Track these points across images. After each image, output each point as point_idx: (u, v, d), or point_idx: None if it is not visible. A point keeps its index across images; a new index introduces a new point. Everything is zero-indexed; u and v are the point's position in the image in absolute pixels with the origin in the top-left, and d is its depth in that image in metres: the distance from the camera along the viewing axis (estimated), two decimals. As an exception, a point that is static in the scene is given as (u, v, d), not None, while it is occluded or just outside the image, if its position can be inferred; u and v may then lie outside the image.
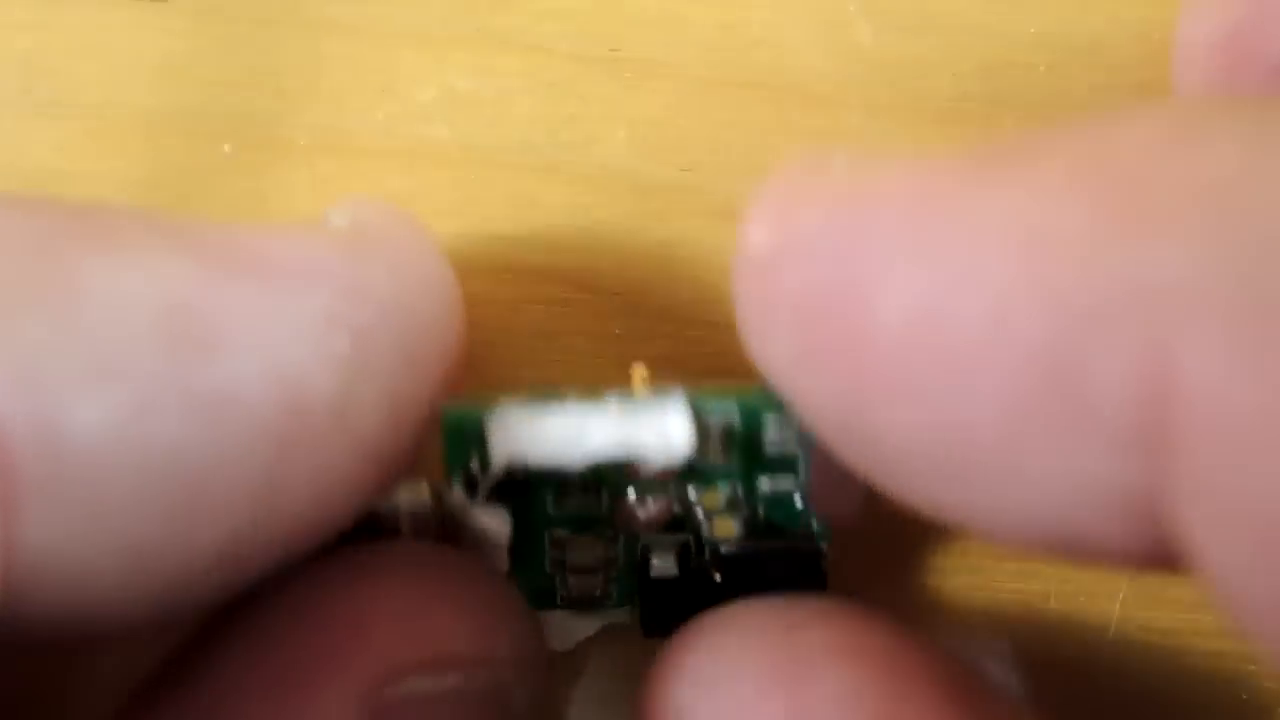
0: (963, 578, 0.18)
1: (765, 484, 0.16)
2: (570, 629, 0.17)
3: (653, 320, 0.19)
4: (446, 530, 0.15)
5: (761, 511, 0.16)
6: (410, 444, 0.14)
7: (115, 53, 0.18)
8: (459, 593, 0.15)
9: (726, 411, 0.15)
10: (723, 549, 0.16)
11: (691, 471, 0.15)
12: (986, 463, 0.11)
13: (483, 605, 0.15)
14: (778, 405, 0.15)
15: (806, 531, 0.16)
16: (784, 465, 0.15)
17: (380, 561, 0.15)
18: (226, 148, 0.18)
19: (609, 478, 0.16)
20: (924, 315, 0.11)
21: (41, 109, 0.18)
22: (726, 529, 0.16)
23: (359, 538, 0.15)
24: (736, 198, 0.18)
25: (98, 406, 0.11)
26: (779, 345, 0.13)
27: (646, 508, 0.16)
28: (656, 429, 0.15)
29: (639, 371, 0.15)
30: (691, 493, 0.16)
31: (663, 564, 0.16)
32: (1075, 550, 0.12)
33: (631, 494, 0.16)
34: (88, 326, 0.11)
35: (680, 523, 0.16)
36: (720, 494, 0.16)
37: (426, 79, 0.18)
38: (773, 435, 0.15)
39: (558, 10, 0.18)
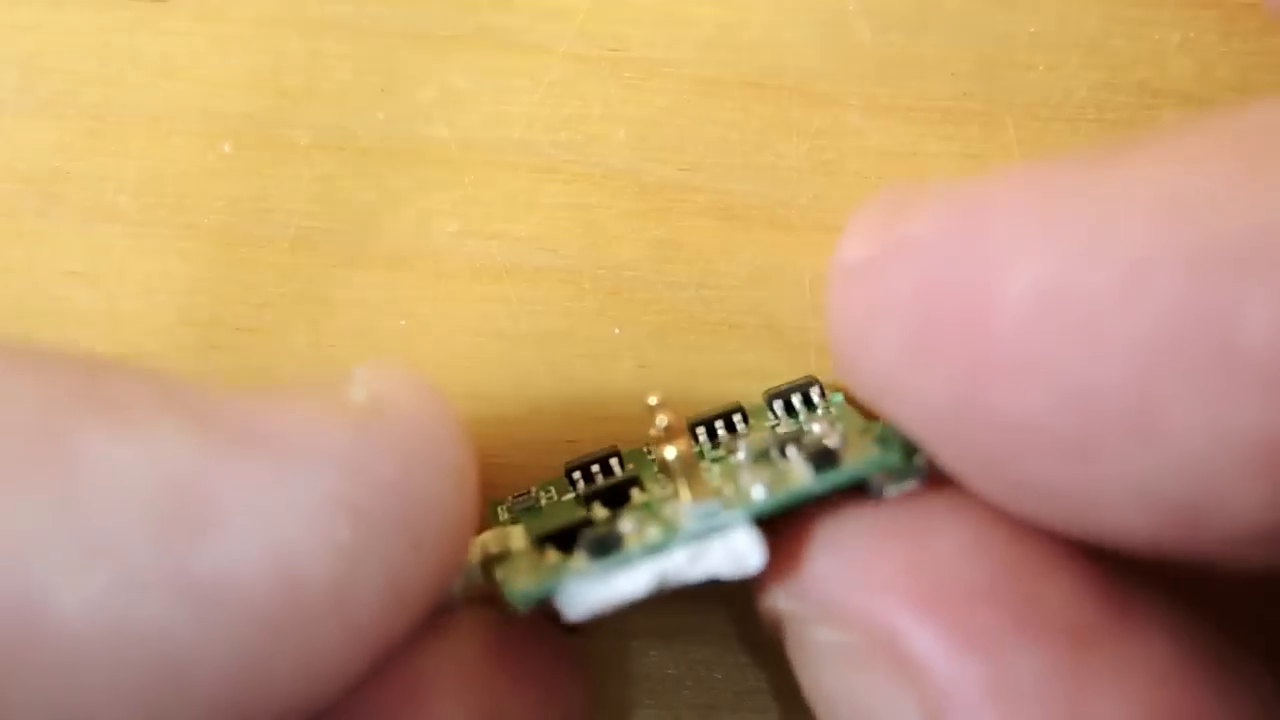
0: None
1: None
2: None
3: (653, 320, 0.19)
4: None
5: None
6: (412, 623, 0.14)
7: (115, 53, 0.18)
8: (516, 660, 0.15)
9: (789, 501, 0.15)
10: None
11: None
12: (1118, 428, 0.11)
13: (539, 673, 0.15)
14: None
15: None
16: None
17: (441, 626, 0.14)
18: (226, 147, 0.18)
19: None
20: (1054, 290, 0.11)
21: (41, 109, 0.18)
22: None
23: None
24: (736, 198, 0.19)
25: (82, 588, 0.11)
26: (885, 347, 0.13)
27: None
28: (726, 556, 0.15)
29: (658, 410, 0.15)
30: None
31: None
32: (1200, 529, 0.11)
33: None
34: (82, 504, 0.11)
35: None
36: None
37: (426, 79, 0.18)
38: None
39: (558, 10, 0.18)
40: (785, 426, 0.17)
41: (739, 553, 0.15)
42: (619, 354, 0.18)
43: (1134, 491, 0.12)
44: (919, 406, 0.13)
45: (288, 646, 0.12)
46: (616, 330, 0.18)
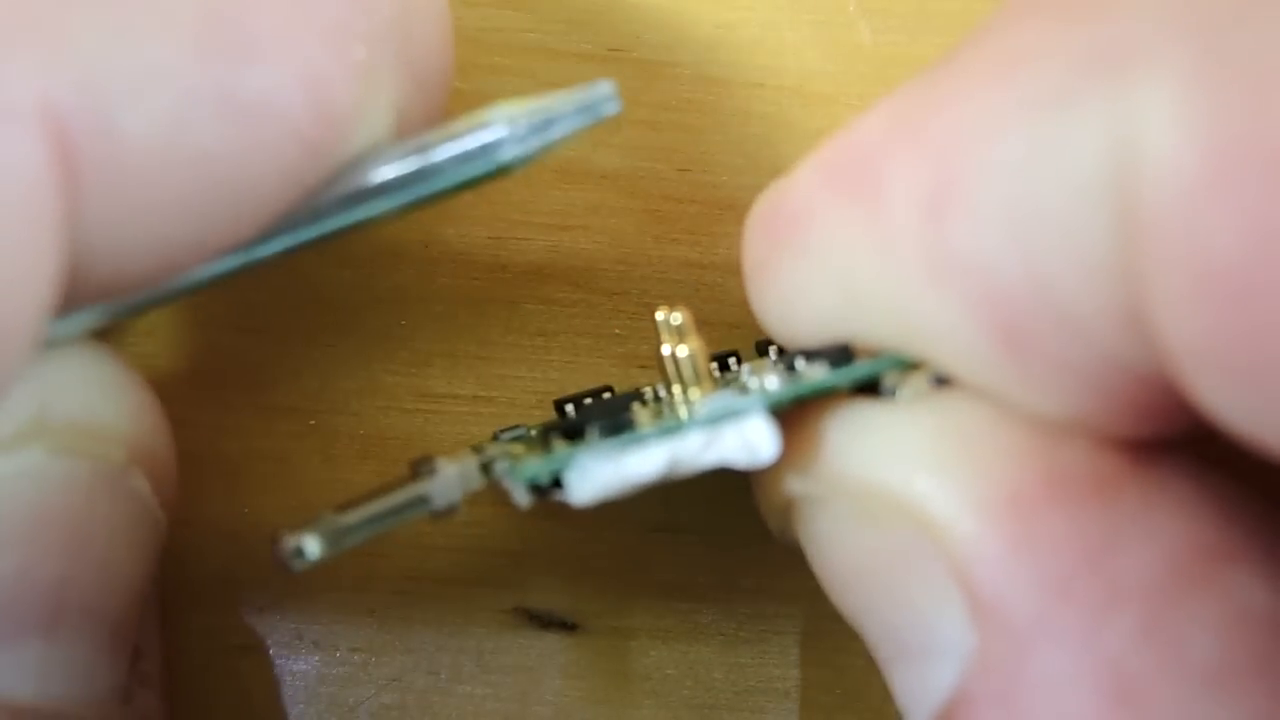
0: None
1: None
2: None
3: (652, 320, 0.18)
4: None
5: None
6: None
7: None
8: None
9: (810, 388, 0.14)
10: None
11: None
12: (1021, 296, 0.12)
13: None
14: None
15: None
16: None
17: None
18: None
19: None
20: (933, 178, 0.12)
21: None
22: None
23: None
24: (736, 197, 0.19)
25: (145, 109, 0.12)
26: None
27: None
28: (740, 444, 0.14)
29: (671, 312, 0.15)
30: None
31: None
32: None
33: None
34: (139, 34, 0.12)
35: None
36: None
37: (426, 79, 0.18)
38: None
39: (558, 10, 0.18)
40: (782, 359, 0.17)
41: (753, 441, 0.14)
42: (619, 354, 0.18)
43: (1069, 377, 0.12)
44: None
45: (320, 163, 0.13)
46: (616, 330, 0.19)
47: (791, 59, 0.18)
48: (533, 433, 0.17)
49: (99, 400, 0.16)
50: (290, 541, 0.14)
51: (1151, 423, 0.12)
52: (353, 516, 0.14)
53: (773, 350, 0.17)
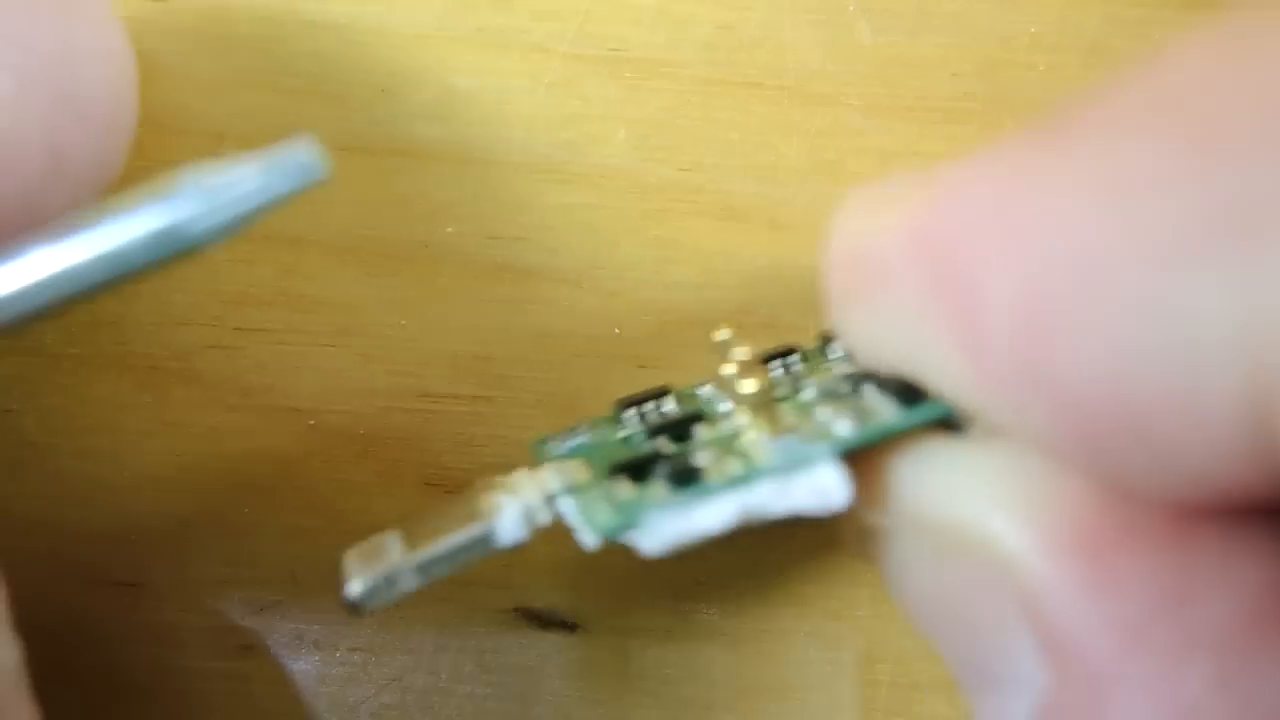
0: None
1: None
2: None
3: (653, 320, 0.19)
4: None
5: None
6: (80, 198, 0.14)
7: (115, 53, 0.18)
8: None
9: (874, 438, 0.14)
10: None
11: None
12: (1111, 432, 0.11)
13: None
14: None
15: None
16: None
17: None
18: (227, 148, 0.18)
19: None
20: (1028, 300, 0.11)
21: (41, 109, 0.18)
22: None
23: None
24: (736, 197, 0.19)
25: None
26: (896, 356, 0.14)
27: None
28: (811, 491, 0.14)
29: (731, 344, 0.15)
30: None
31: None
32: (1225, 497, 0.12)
33: None
34: None
35: None
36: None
37: (426, 79, 0.18)
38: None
39: (558, 10, 0.18)
40: (848, 369, 0.16)
41: (825, 488, 0.14)
42: (619, 354, 0.18)
43: (1155, 480, 0.12)
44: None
45: None
46: (616, 330, 0.19)
47: (791, 59, 0.18)
48: (594, 439, 0.17)
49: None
50: (355, 591, 0.14)
51: (1236, 506, 0.12)
52: (419, 561, 0.14)
53: (836, 349, 0.17)
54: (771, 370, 0.16)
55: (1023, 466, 0.13)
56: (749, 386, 0.14)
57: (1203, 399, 0.11)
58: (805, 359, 0.17)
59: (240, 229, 0.11)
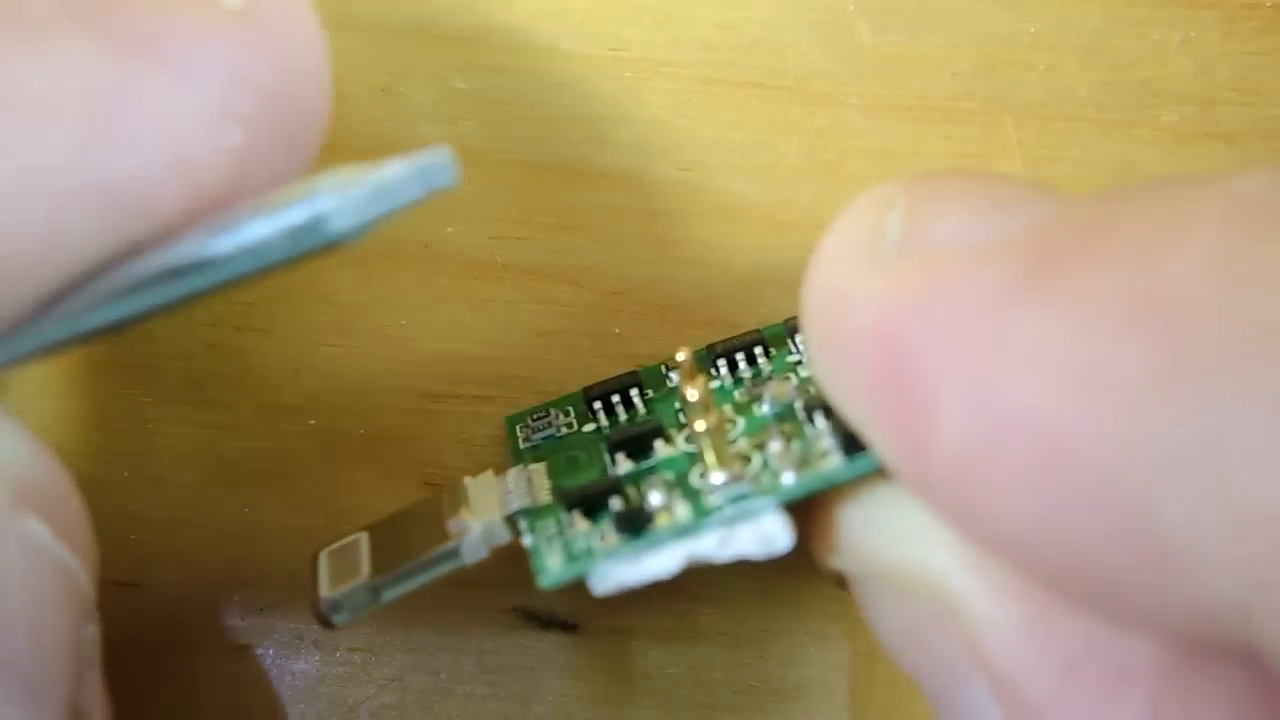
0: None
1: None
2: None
3: (653, 320, 0.19)
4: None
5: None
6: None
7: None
8: None
9: (812, 488, 0.15)
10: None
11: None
12: (1044, 578, 0.12)
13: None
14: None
15: None
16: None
17: None
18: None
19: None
20: (977, 437, 0.11)
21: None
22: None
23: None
24: (737, 197, 0.18)
25: (23, 212, 0.11)
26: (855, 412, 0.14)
27: None
28: (755, 539, 0.15)
29: (683, 359, 0.15)
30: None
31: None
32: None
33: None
34: (8, 126, 0.11)
35: None
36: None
37: (426, 79, 0.18)
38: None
39: (558, 10, 0.18)
40: (806, 375, 0.17)
41: (768, 535, 0.15)
42: (619, 354, 0.18)
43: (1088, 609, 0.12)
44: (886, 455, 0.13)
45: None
46: (616, 330, 0.19)
47: (791, 59, 0.18)
48: (563, 430, 0.17)
49: None
50: (331, 603, 0.15)
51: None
52: (388, 578, 0.15)
53: (799, 344, 0.17)
54: (732, 363, 0.17)
55: None
56: (702, 425, 0.15)
57: (1157, 600, 0.10)
58: (770, 350, 0.17)
59: (375, 227, 0.13)
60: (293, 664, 0.19)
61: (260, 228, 0.12)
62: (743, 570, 0.19)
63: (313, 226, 0.12)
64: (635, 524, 0.15)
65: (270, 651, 0.19)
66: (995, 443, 0.11)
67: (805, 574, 0.19)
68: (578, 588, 0.19)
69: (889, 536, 0.14)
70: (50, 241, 0.11)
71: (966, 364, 0.11)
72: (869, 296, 0.13)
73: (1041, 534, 0.11)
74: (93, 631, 0.16)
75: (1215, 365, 0.10)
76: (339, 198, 0.12)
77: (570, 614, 0.19)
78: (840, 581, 0.16)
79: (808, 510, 0.15)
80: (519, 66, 0.18)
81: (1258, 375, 0.10)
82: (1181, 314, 0.10)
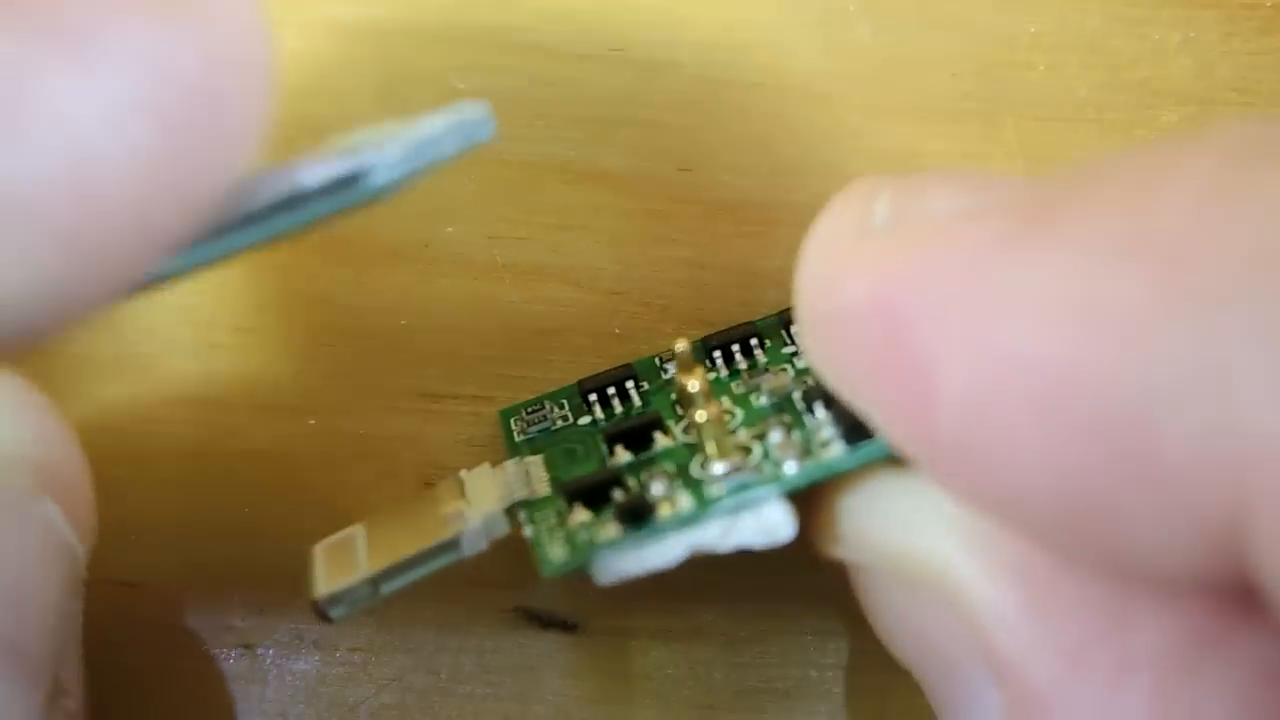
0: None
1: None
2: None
3: (653, 320, 0.19)
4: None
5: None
6: (200, 221, 0.12)
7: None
8: None
9: (814, 478, 0.15)
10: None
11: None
12: (1051, 531, 0.11)
13: None
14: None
15: None
16: None
17: None
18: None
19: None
20: (981, 391, 0.11)
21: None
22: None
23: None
24: (737, 197, 0.18)
25: None
26: (853, 393, 0.14)
27: None
28: (758, 528, 0.15)
29: (682, 350, 0.15)
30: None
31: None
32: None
33: None
34: None
35: None
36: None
37: (426, 79, 0.18)
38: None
39: (558, 10, 0.18)
40: (802, 366, 0.17)
41: (771, 525, 0.15)
42: (618, 354, 0.18)
43: (1088, 565, 0.12)
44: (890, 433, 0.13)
45: (85, 262, 0.11)
46: (616, 330, 0.19)
47: (791, 59, 0.18)
48: (558, 424, 0.17)
49: (5, 428, 0.15)
50: (329, 598, 0.15)
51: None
52: (385, 570, 0.15)
53: (793, 336, 0.17)
54: (728, 355, 0.17)
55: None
56: (702, 415, 0.15)
57: (1160, 530, 0.10)
58: (764, 341, 0.17)
59: (415, 180, 0.12)
60: (293, 664, 0.19)
61: (304, 178, 0.12)
62: (743, 570, 0.19)
63: (354, 180, 0.12)
64: (638, 514, 0.15)
65: (270, 651, 0.19)
66: (1000, 390, 0.11)
67: (805, 574, 0.19)
68: (578, 586, 0.19)
69: (892, 525, 0.14)
70: None
71: (965, 318, 0.11)
72: (861, 271, 0.13)
73: (1047, 478, 0.11)
74: (78, 607, 0.16)
75: (1214, 293, 0.10)
76: (380, 152, 0.12)
77: (570, 614, 0.19)
78: (841, 571, 0.16)
79: (809, 499, 0.15)
80: (519, 66, 0.18)
81: (1257, 301, 0.10)
82: (1179, 244, 0.10)
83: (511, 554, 0.19)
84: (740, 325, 0.17)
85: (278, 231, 0.12)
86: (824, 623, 0.19)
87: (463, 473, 0.17)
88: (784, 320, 0.17)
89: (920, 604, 0.14)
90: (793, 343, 0.17)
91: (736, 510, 0.15)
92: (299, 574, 0.19)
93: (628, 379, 0.17)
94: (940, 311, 0.12)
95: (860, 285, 0.13)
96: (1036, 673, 0.13)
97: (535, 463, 0.16)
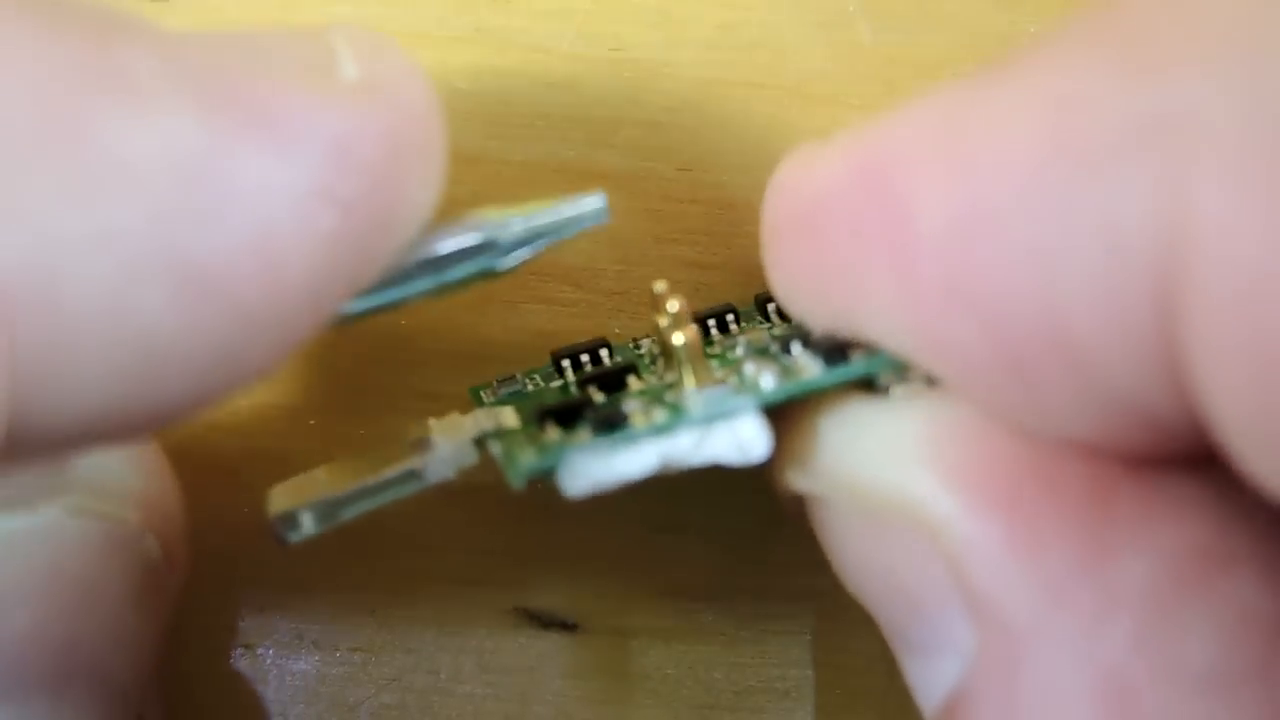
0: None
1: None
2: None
3: (652, 320, 0.18)
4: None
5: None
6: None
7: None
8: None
9: (793, 393, 0.15)
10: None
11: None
12: (1040, 347, 0.11)
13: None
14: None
15: None
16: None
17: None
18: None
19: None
20: (961, 215, 0.12)
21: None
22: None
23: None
24: (736, 197, 0.19)
25: (90, 275, 0.10)
26: (824, 300, 0.14)
27: None
28: (731, 443, 0.14)
29: (666, 296, 0.15)
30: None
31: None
32: (1149, 434, 0.12)
33: None
34: (93, 190, 0.11)
35: None
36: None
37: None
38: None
39: (558, 10, 0.18)
40: (779, 330, 0.17)
41: (745, 440, 0.14)
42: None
43: (1077, 407, 0.12)
44: (880, 341, 0.14)
45: (262, 337, 0.12)
46: (617, 330, 0.19)
47: (791, 59, 0.18)
48: (529, 388, 0.17)
49: (117, 463, 0.16)
50: (285, 515, 0.14)
51: (1156, 449, 0.12)
52: (346, 492, 0.14)
53: (771, 310, 0.17)
54: (704, 327, 0.17)
55: (945, 428, 0.13)
56: (680, 338, 0.15)
57: (1120, 306, 0.11)
58: (740, 319, 0.17)
59: (534, 257, 0.14)
60: (293, 664, 0.19)
61: (439, 246, 0.14)
62: (743, 570, 0.19)
63: (481, 250, 0.14)
64: (610, 422, 0.14)
65: (270, 651, 0.19)
66: (979, 217, 0.12)
67: (805, 574, 0.19)
68: (578, 586, 0.19)
69: (866, 457, 0.14)
70: (119, 309, 0.11)
71: (938, 158, 0.12)
72: (831, 154, 0.14)
73: (1021, 302, 0.11)
74: (162, 641, 0.16)
75: (1178, 55, 0.10)
76: (505, 228, 0.14)
77: (570, 614, 0.19)
78: (798, 507, 0.15)
79: (783, 429, 0.15)
80: (519, 67, 0.18)
81: (1219, 58, 0.10)
82: (1136, 32, 0.11)
83: (512, 554, 0.19)
84: (719, 305, 0.17)
85: (410, 295, 0.14)
86: (824, 623, 0.19)
87: (430, 420, 0.16)
88: (761, 300, 0.17)
89: (889, 539, 0.14)
90: (768, 319, 0.17)
91: (710, 422, 0.14)
92: (299, 574, 0.19)
93: (602, 348, 0.17)
94: (916, 151, 0.12)
95: (836, 163, 0.13)
96: (1015, 609, 0.12)
97: (505, 411, 0.16)
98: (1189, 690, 0.11)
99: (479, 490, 0.18)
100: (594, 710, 0.19)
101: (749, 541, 0.19)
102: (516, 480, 0.14)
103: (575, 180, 0.18)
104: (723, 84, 0.18)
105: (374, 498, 0.15)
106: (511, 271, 0.14)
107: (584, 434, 0.14)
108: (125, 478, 0.15)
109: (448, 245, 0.14)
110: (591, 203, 0.14)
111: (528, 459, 0.14)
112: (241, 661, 0.19)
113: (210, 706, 0.19)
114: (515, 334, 0.19)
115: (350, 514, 0.15)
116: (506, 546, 0.19)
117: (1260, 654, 0.12)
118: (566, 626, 0.19)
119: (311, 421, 0.19)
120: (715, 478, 0.19)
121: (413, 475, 0.15)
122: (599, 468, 0.14)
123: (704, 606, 0.19)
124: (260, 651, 0.19)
